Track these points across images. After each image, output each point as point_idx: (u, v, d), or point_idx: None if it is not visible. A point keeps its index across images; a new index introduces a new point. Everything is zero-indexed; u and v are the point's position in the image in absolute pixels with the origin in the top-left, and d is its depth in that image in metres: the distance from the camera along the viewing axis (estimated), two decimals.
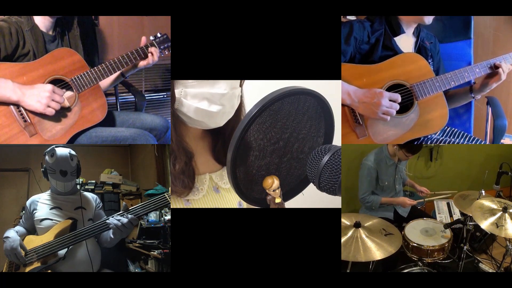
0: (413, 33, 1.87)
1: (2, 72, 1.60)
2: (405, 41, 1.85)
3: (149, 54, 1.84)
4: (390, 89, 1.76)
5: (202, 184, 1.25)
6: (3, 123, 1.61)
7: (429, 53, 1.88)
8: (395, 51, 1.80)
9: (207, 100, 1.14)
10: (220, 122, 1.20)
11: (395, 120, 1.75)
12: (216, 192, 1.27)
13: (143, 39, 1.86)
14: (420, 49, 1.87)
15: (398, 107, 1.69)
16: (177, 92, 1.15)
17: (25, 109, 1.63)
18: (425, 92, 1.76)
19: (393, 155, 2.29)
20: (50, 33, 1.80)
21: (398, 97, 1.69)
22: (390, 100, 1.68)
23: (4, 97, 1.58)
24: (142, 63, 1.86)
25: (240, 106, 1.25)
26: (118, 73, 1.88)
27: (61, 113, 1.69)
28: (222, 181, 1.29)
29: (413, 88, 1.76)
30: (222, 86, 1.15)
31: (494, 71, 1.79)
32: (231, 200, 1.30)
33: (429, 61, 1.87)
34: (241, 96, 1.24)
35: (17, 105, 1.62)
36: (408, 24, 1.82)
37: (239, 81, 1.21)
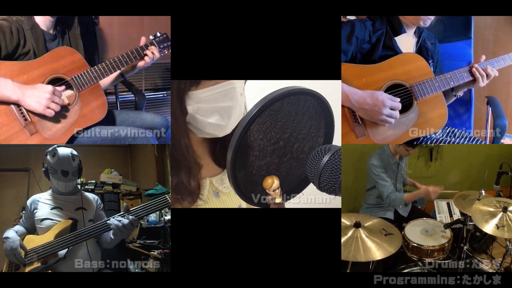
0: (414, 33, 1.87)
1: (2, 71, 1.60)
2: (406, 41, 1.85)
3: (148, 59, 1.84)
4: (389, 89, 1.76)
5: (202, 190, 1.23)
6: (4, 121, 1.61)
7: (429, 53, 1.88)
8: (395, 51, 1.80)
9: (219, 115, 1.15)
10: (228, 131, 1.20)
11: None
12: (216, 197, 1.26)
13: (143, 39, 1.86)
14: (421, 49, 1.87)
15: (398, 115, 1.69)
16: (189, 108, 1.14)
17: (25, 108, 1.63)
18: (424, 92, 1.76)
19: (394, 153, 2.29)
20: (51, 32, 1.80)
21: (398, 106, 1.69)
22: (390, 109, 1.68)
23: (4, 96, 1.58)
24: (141, 64, 1.86)
25: (244, 106, 1.24)
26: (117, 73, 1.88)
27: (62, 112, 1.69)
28: (222, 186, 1.28)
29: (412, 88, 1.76)
30: (232, 98, 1.15)
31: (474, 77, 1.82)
32: (231, 205, 1.28)
33: (430, 61, 1.87)
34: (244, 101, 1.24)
35: (17, 104, 1.62)
36: (409, 25, 1.82)
37: (243, 86, 1.21)
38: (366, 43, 1.80)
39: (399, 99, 1.70)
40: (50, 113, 1.62)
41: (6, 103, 1.61)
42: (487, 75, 1.80)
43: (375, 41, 1.80)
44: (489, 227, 1.80)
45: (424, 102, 1.78)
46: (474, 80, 1.82)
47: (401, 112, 1.74)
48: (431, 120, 1.79)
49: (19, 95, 1.59)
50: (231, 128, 1.19)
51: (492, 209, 1.87)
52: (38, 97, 1.60)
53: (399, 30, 1.81)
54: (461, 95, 1.95)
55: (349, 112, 1.75)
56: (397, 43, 1.81)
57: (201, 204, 1.23)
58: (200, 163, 1.22)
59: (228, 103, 1.15)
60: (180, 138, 1.18)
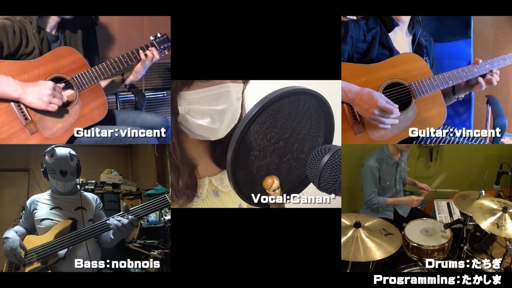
0: (409, 31, 1.88)
1: (3, 70, 1.61)
2: (401, 39, 1.87)
3: (143, 55, 1.83)
4: (388, 87, 1.77)
5: (201, 189, 1.23)
6: (4, 120, 1.62)
7: (424, 49, 1.90)
8: (390, 49, 1.81)
9: (210, 117, 1.14)
10: (221, 135, 1.19)
11: None
12: (216, 196, 1.26)
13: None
14: (416, 46, 1.88)
15: (390, 121, 1.69)
16: (180, 109, 1.14)
17: (26, 107, 1.63)
18: (423, 91, 1.77)
19: (393, 154, 2.29)
20: (53, 33, 1.81)
21: (391, 110, 1.68)
22: (383, 110, 1.68)
23: (4, 94, 1.59)
24: (138, 68, 1.86)
25: (241, 116, 1.23)
26: (113, 78, 1.88)
27: (62, 111, 1.70)
28: (222, 185, 1.28)
29: (411, 86, 1.77)
30: (225, 102, 1.14)
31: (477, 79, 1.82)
32: (230, 204, 1.29)
33: (425, 58, 1.88)
34: (242, 103, 1.23)
35: (17, 102, 1.62)
36: (400, 19, 1.83)
37: (241, 90, 1.20)
38: (361, 42, 1.81)
39: (397, 106, 1.69)
40: (53, 108, 1.63)
41: (7, 101, 1.61)
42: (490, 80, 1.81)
43: (371, 39, 1.81)
44: (487, 223, 1.80)
45: (423, 101, 1.78)
46: (475, 84, 1.82)
47: (399, 110, 1.75)
48: (430, 119, 1.79)
49: (20, 92, 1.59)
50: (223, 132, 1.19)
51: (495, 206, 1.87)
52: (40, 93, 1.60)
53: (391, 26, 1.82)
54: (462, 97, 1.95)
55: (348, 108, 1.76)
56: (392, 41, 1.82)
57: (199, 202, 1.23)
58: (194, 163, 1.21)
59: (221, 106, 1.14)
60: (172, 137, 1.18)
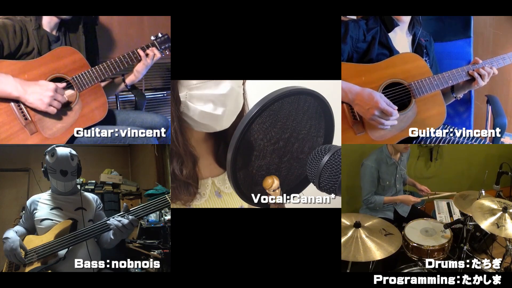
0: (409, 31, 1.89)
1: (3, 70, 1.61)
2: (401, 40, 1.87)
3: (143, 56, 1.83)
4: (388, 87, 1.77)
5: (204, 189, 1.24)
6: (4, 120, 1.61)
7: (424, 50, 1.90)
8: (390, 49, 1.81)
9: (212, 103, 1.14)
10: (226, 124, 1.19)
11: None
12: (218, 197, 1.27)
13: None
14: (416, 47, 1.88)
15: (389, 122, 1.70)
16: (182, 95, 1.15)
17: (26, 106, 1.63)
18: (422, 91, 1.77)
19: (392, 154, 2.29)
20: (54, 33, 1.81)
21: (391, 112, 1.68)
22: (383, 112, 1.68)
23: (4, 92, 1.58)
24: (139, 67, 1.86)
25: (243, 106, 1.24)
26: (113, 79, 1.88)
27: (62, 111, 1.70)
28: (224, 186, 1.28)
29: (410, 86, 1.77)
30: (226, 86, 1.14)
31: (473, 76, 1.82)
32: (233, 205, 1.29)
33: (425, 58, 1.88)
34: (244, 95, 1.23)
35: (17, 101, 1.62)
36: (400, 19, 1.83)
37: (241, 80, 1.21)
38: (361, 42, 1.82)
39: (396, 108, 1.70)
40: (52, 110, 1.63)
41: (7, 100, 1.61)
42: (482, 75, 1.80)
43: (371, 39, 1.82)
44: (487, 223, 1.80)
45: (423, 100, 1.78)
46: (473, 80, 1.83)
47: (399, 110, 1.75)
48: (429, 118, 1.80)
49: (21, 91, 1.59)
50: (228, 121, 1.19)
51: (495, 206, 1.87)
52: (41, 94, 1.60)
53: (391, 26, 1.82)
54: (461, 97, 1.96)
55: (348, 108, 1.76)
56: (392, 41, 1.83)
57: (202, 202, 1.23)
58: (196, 155, 1.21)
59: (222, 90, 1.14)
60: (172, 125, 1.18)
